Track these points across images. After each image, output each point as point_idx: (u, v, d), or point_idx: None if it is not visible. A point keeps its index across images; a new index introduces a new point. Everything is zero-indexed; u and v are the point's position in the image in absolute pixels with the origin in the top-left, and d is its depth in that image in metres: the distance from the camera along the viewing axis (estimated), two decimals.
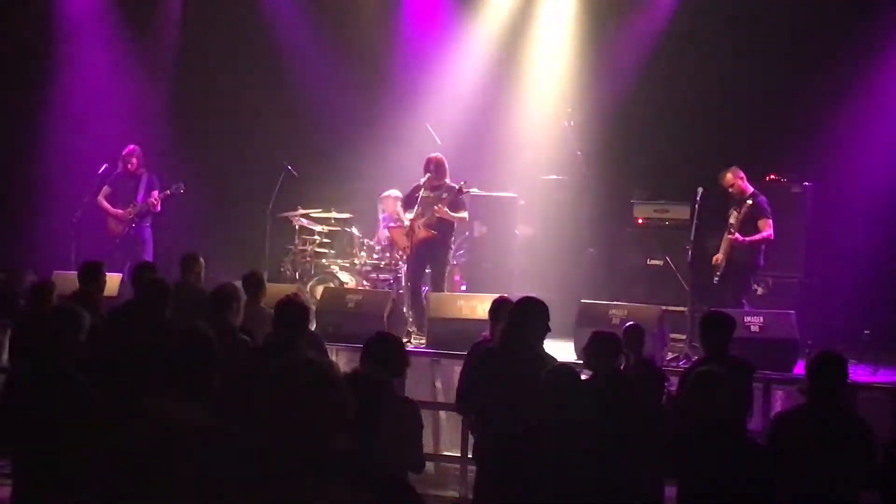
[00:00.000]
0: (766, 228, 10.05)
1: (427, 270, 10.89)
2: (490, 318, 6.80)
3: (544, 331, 5.93)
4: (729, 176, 10.25)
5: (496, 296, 9.13)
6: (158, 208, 11.58)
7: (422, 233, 10.50)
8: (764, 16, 12.14)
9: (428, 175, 10.54)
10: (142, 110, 13.51)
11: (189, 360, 3.93)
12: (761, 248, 10.16)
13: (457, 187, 10.56)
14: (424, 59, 13.45)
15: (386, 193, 11.95)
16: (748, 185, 10.25)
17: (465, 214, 10.80)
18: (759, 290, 9.99)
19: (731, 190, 10.25)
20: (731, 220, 10.09)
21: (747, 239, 10.01)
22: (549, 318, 5.95)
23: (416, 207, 10.58)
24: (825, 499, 5.17)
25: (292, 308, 6.08)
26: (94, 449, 4.90)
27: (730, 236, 10.01)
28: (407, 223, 10.74)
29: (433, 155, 10.78)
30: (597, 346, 6.18)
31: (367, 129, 13.13)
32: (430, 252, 10.61)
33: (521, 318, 5.91)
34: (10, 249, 12.42)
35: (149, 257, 11.06)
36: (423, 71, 13.39)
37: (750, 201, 10.05)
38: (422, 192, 10.59)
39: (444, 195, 10.53)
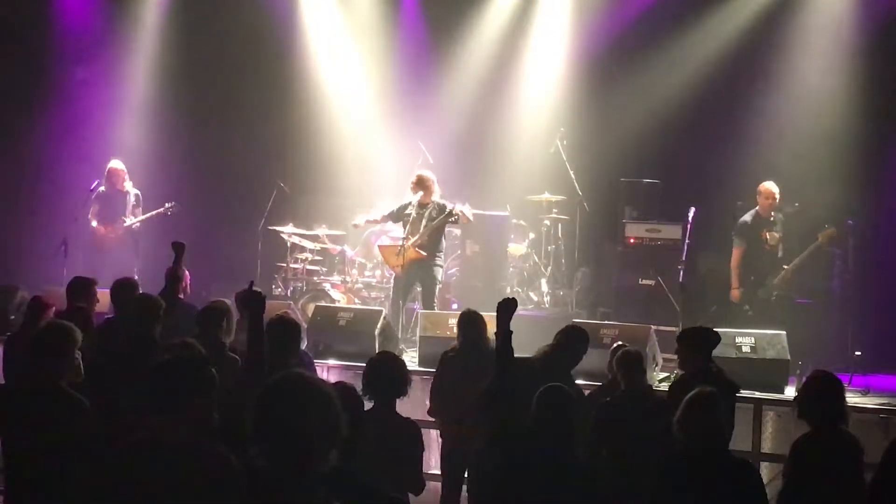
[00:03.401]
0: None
1: (418, 289, 10.94)
2: (459, 329, 7.20)
3: (581, 357, 6.46)
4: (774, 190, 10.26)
5: (488, 314, 9.22)
6: (130, 228, 11.79)
7: (412, 253, 10.54)
8: (753, 36, 12.26)
9: (419, 194, 10.59)
10: (133, 128, 13.53)
11: (179, 378, 3.92)
12: None
13: (448, 209, 10.57)
14: (417, 77, 13.49)
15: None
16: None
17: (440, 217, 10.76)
18: (751, 312, 9.98)
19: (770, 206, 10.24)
20: (773, 243, 10.11)
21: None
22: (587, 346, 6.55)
23: (406, 227, 10.62)
24: None
25: (283, 326, 6.08)
26: (84, 465, 4.90)
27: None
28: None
29: (419, 174, 10.81)
30: (625, 362, 6.23)
31: (359, 147, 13.16)
32: (419, 272, 10.65)
33: (566, 343, 6.41)
34: (1, 266, 12.38)
35: (132, 273, 11.11)
36: (415, 89, 13.43)
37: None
38: (410, 211, 10.64)
39: (433, 213, 10.56)
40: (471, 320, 7.16)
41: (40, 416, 4.79)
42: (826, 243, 9.94)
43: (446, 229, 11.58)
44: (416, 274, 10.68)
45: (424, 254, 10.55)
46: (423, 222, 10.56)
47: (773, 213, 10.21)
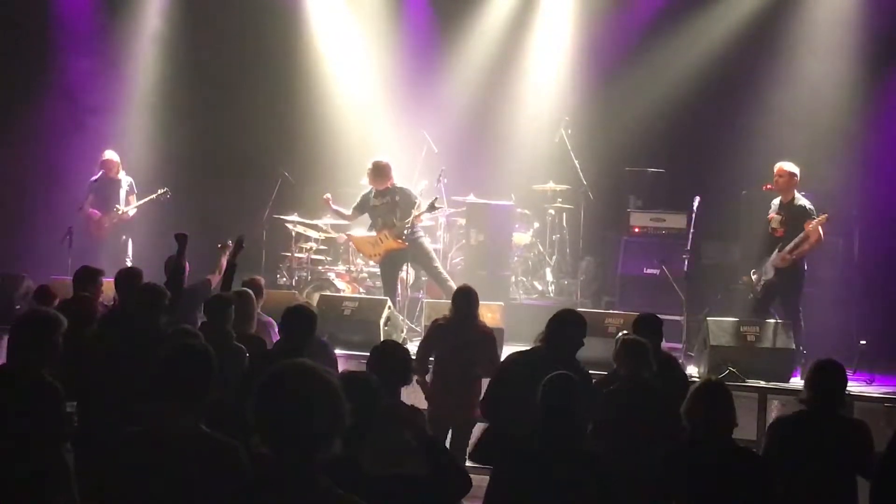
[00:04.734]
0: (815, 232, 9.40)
1: (423, 278, 11.02)
2: (453, 301, 7.56)
3: (580, 338, 6.31)
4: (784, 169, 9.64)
5: (494, 304, 9.34)
6: (130, 214, 11.85)
7: (390, 243, 10.57)
8: (758, 24, 12.24)
9: (376, 183, 10.63)
10: (136, 117, 13.54)
11: (185, 368, 3.93)
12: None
13: (430, 201, 10.60)
14: (421, 66, 13.47)
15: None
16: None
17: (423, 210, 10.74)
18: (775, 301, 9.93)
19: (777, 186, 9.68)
20: (775, 225, 9.65)
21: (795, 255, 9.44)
22: (583, 328, 6.35)
23: (376, 219, 10.72)
24: (823, 501, 5.21)
25: (300, 315, 6.08)
26: (64, 451, 4.92)
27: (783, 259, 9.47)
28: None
29: (374, 161, 10.72)
30: (625, 352, 6.20)
31: (364, 136, 13.15)
32: (404, 254, 10.68)
33: (562, 328, 6.28)
34: (7, 255, 12.41)
35: (129, 261, 11.19)
36: (420, 78, 13.41)
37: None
38: (374, 202, 10.69)
39: (397, 198, 10.59)
40: (465, 295, 7.51)
41: (9, 402, 4.78)
42: (813, 231, 9.31)
43: (450, 218, 11.65)
44: (399, 259, 10.73)
45: (407, 243, 10.57)
46: (397, 212, 10.58)
47: (795, 195, 9.58)
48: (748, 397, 8.48)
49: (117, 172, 11.93)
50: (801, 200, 9.59)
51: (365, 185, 10.90)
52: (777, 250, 9.55)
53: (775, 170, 9.69)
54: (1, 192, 13.27)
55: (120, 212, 11.81)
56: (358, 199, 10.88)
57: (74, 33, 13.45)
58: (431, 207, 10.58)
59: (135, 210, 11.90)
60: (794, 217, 9.49)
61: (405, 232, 10.51)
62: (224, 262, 8.22)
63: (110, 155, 11.94)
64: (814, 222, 9.32)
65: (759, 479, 4.81)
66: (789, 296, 9.62)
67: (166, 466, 3.71)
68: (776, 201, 9.75)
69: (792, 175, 9.61)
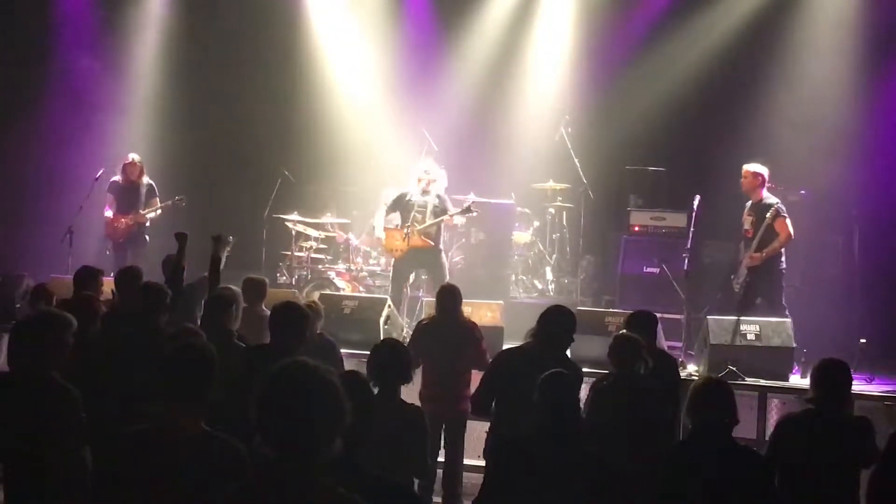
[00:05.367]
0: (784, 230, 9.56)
1: (422, 276, 10.97)
2: (437, 300, 7.75)
3: (570, 334, 6.30)
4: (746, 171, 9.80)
5: (494, 302, 9.34)
6: (146, 217, 11.75)
7: (418, 241, 10.56)
8: (759, 24, 12.23)
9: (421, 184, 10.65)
10: (137, 116, 13.54)
11: (187, 367, 3.92)
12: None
13: (466, 205, 10.68)
14: (422, 65, 13.48)
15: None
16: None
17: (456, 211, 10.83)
18: (757, 300, 9.96)
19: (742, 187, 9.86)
20: (746, 226, 9.77)
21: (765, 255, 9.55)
22: (573, 323, 6.31)
23: (407, 215, 10.67)
24: (826, 499, 5.22)
25: (288, 313, 6.04)
26: (85, 453, 4.91)
27: (751, 259, 9.59)
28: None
29: (424, 167, 10.82)
30: (617, 349, 6.20)
31: (365, 134, 13.16)
32: (423, 260, 10.69)
33: (556, 325, 6.24)
34: (7, 255, 12.41)
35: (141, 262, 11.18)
36: (420, 77, 13.41)
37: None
38: (410, 199, 10.69)
39: (436, 201, 10.59)
40: (448, 293, 7.70)
41: (28, 406, 4.76)
42: (782, 228, 9.48)
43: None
44: (417, 261, 10.73)
45: (432, 243, 10.57)
46: (429, 210, 10.57)
47: (763, 195, 9.73)
48: (748, 396, 8.49)
49: (139, 176, 11.84)
50: (769, 199, 9.74)
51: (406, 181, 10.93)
52: (747, 250, 9.69)
53: (742, 171, 9.83)
54: (1, 192, 13.28)
55: (143, 213, 11.69)
56: (391, 199, 10.86)
57: (75, 32, 13.45)
58: (467, 210, 10.64)
59: (153, 214, 11.79)
60: (762, 217, 9.61)
61: (434, 234, 10.53)
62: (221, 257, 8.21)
63: (133, 157, 11.82)
64: (769, 214, 9.47)
65: (759, 479, 4.82)
66: (770, 294, 9.71)
67: (168, 466, 3.71)
68: (749, 202, 9.86)
69: (756, 175, 9.81)
